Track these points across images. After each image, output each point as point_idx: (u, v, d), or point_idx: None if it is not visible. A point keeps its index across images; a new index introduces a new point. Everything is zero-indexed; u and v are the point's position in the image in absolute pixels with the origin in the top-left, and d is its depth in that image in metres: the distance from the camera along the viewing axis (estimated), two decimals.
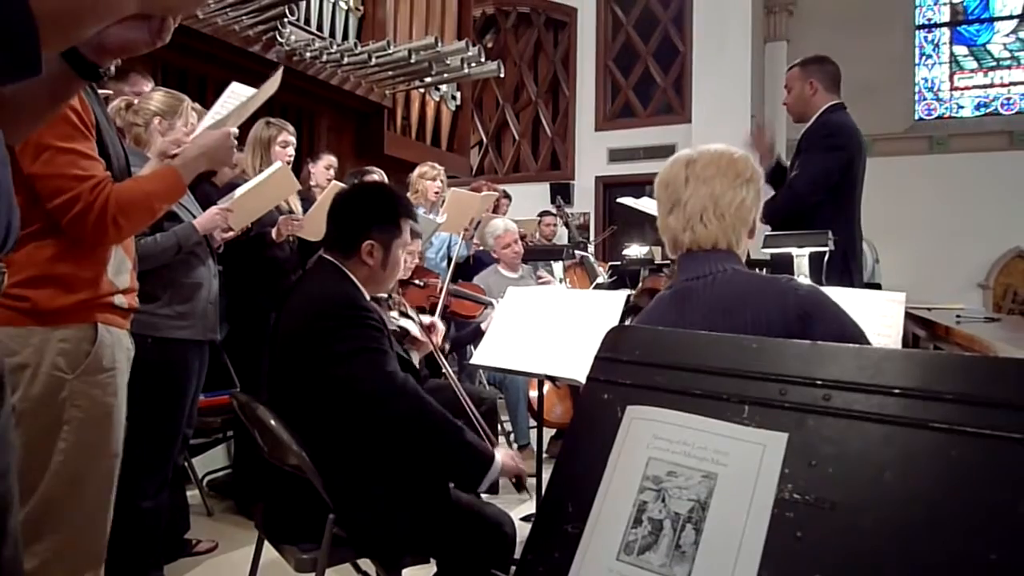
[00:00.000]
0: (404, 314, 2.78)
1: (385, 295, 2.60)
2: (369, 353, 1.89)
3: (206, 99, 4.34)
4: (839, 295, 2.07)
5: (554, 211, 7.07)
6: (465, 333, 4.17)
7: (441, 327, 2.84)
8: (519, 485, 2.00)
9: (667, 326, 1.45)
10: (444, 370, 2.66)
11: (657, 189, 1.63)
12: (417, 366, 2.59)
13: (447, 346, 3.48)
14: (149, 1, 0.76)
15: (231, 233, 2.88)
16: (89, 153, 1.69)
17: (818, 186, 3.22)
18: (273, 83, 2.30)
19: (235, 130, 2.08)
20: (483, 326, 3.57)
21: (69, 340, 1.67)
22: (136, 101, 2.65)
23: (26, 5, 0.60)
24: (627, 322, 1.83)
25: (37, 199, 1.61)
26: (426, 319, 2.90)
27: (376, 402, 1.87)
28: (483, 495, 2.92)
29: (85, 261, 1.70)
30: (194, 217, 2.66)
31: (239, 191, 2.90)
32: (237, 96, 2.35)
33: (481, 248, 5.26)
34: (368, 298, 2.07)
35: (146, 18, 0.83)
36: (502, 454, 1.96)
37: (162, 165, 1.98)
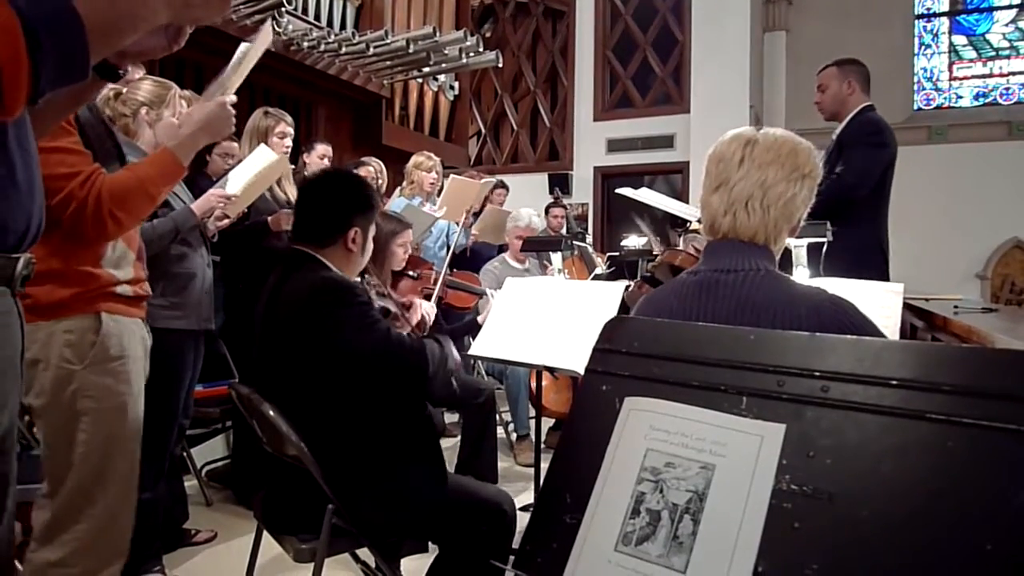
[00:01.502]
0: (381, 294, 2.76)
1: (359, 278, 2.61)
2: (372, 326, 1.95)
3: (202, 88, 4.32)
4: (836, 286, 2.07)
5: (563, 203, 7.06)
6: (461, 325, 4.18)
7: (421, 305, 2.81)
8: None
9: (688, 316, 1.42)
10: None
11: (708, 163, 1.52)
12: None
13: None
14: (177, 13, 0.86)
15: (226, 221, 2.86)
16: (74, 148, 1.67)
17: (867, 179, 3.37)
18: (265, 35, 2.24)
19: (232, 97, 2.00)
20: (479, 318, 3.57)
21: (73, 331, 1.68)
22: (124, 90, 2.61)
23: (80, 21, 0.71)
24: (642, 288, 1.76)
25: None
26: (403, 299, 2.88)
27: (381, 359, 1.93)
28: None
29: (77, 256, 1.69)
30: (182, 200, 2.65)
31: (235, 182, 2.87)
32: (241, 54, 2.30)
33: (480, 240, 5.25)
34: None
35: (164, 25, 0.91)
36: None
37: (159, 149, 1.94)
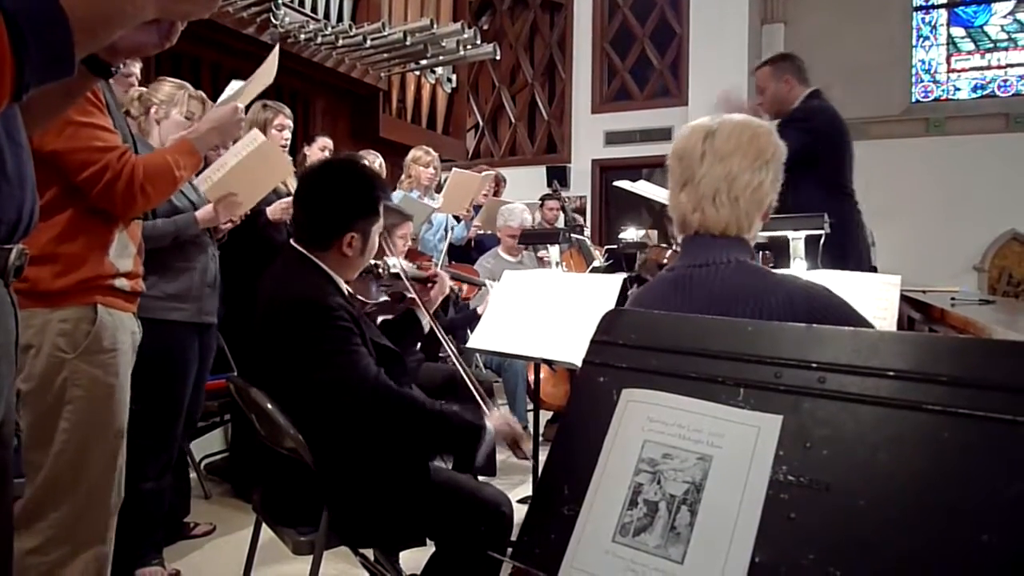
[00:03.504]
0: (396, 276, 2.71)
1: (371, 263, 2.56)
2: (342, 355, 1.84)
3: (200, 82, 4.30)
4: (834, 279, 2.07)
5: (558, 196, 7.05)
6: (460, 316, 4.18)
7: (445, 277, 2.74)
8: (517, 450, 2.00)
9: (666, 310, 1.43)
10: (440, 339, 2.60)
11: (671, 160, 1.51)
12: (425, 329, 2.52)
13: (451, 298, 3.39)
14: (165, 8, 0.84)
15: (229, 224, 2.89)
16: (108, 126, 1.76)
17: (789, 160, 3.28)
18: (271, 65, 2.32)
19: (241, 105, 2.18)
20: (479, 309, 3.56)
21: (69, 321, 1.70)
22: (145, 91, 2.74)
23: (64, 15, 0.70)
24: (632, 288, 1.76)
25: (47, 179, 1.64)
26: (423, 273, 2.82)
27: (356, 407, 1.84)
28: (481, 477, 2.92)
29: (86, 241, 1.73)
30: (187, 198, 2.69)
31: (218, 171, 2.84)
32: (235, 89, 2.40)
33: (483, 231, 5.25)
34: (343, 286, 2.04)
35: (156, 21, 0.90)
36: (495, 421, 1.95)
37: (177, 138, 2.12)
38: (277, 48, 2.40)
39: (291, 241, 2.07)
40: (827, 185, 3.35)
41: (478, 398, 2.18)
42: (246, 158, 2.81)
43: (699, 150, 1.45)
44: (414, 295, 2.53)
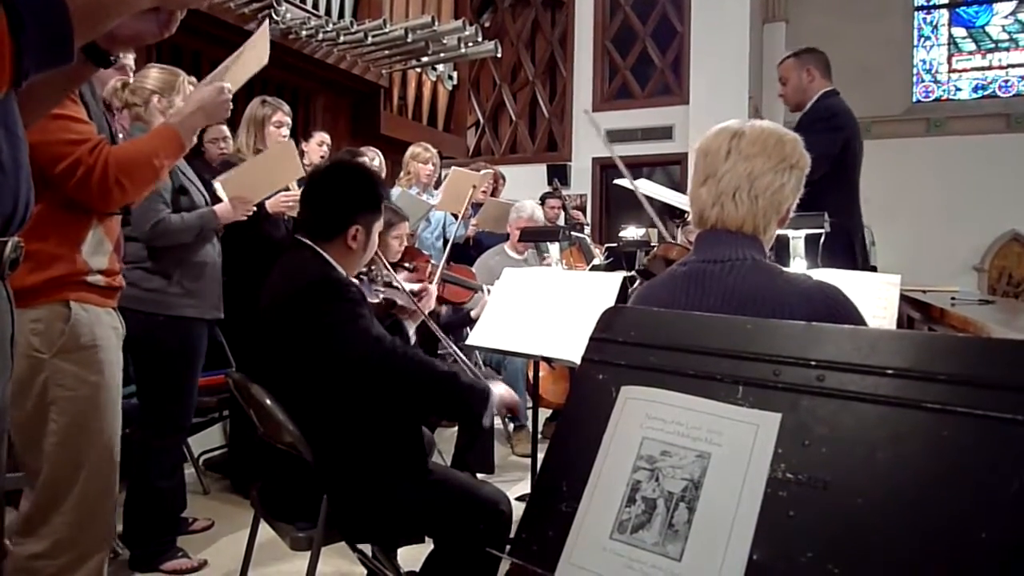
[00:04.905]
0: (389, 284, 2.76)
1: (366, 268, 2.63)
2: (354, 322, 1.90)
3: (200, 77, 4.29)
4: (833, 277, 2.07)
5: (559, 194, 7.03)
6: (456, 318, 4.17)
7: (433, 291, 2.82)
8: (514, 419, 2.08)
9: (677, 307, 1.41)
10: (438, 336, 2.64)
11: (695, 156, 1.54)
12: (412, 337, 2.57)
13: (442, 310, 3.46)
14: None
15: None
16: (80, 117, 1.70)
17: (819, 165, 3.29)
18: (261, 45, 2.23)
19: (229, 84, 2.05)
20: (472, 313, 3.56)
21: (41, 320, 1.66)
22: (131, 80, 2.64)
23: (63, 2, 0.71)
24: (632, 286, 1.75)
25: None
26: (415, 286, 2.88)
27: (370, 368, 1.88)
28: (479, 475, 2.92)
29: (57, 239, 1.68)
30: (198, 189, 2.75)
31: (236, 169, 2.88)
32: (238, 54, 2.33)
33: (482, 231, 5.24)
34: (346, 276, 2.09)
35: (155, 10, 0.91)
36: (497, 388, 2.03)
37: (160, 124, 2.00)
38: (266, 25, 2.34)
39: (296, 236, 2.12)
40: (842, 186, 3.37)
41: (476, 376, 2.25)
42: (267, 153, 2.86)
43: (725, 148, 1.47)
44: (403, 304, 2.59)
